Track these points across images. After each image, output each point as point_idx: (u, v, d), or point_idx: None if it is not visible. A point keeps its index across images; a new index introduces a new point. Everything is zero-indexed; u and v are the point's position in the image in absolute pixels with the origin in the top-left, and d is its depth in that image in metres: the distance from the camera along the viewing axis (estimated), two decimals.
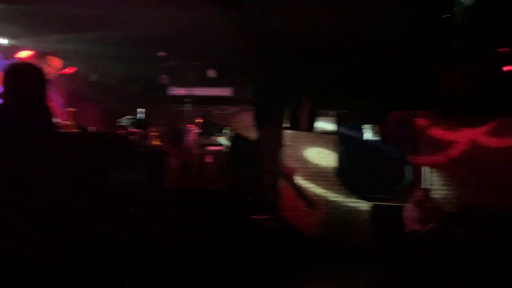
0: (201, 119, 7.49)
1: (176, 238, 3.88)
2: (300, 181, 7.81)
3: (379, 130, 7.47)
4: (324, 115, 7.61)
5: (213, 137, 7.30)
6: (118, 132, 5.97)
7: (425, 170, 7.31)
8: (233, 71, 7.16)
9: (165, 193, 5.11)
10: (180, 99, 7.22)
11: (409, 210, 6.56)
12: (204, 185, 6.87)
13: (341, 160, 7.67)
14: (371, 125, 7.45)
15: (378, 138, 7.44)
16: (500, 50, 5.52)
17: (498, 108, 6.87)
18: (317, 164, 7.79)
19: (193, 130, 7.30)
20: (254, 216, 5.98)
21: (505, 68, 5.97)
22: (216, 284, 3.74)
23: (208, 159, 7.27)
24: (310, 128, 7.25)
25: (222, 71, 7.22)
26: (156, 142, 7.27)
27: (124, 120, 5.85)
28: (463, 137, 7.25)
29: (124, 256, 3.32)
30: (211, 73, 7.23)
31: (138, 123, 5.90)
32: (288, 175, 7.84)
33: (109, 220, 3.93)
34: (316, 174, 7.77)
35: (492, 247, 5.98)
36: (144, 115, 5.98)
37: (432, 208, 6.52)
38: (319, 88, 6.92)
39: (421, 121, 7.47)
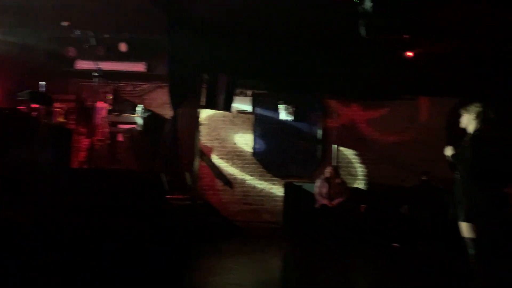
0: (112, 96, 7.13)
1: (80, 220, 3.67)
2: (217, 160, 7.84)
3: (294, 111, 7.69)
4: (242, 94, 7.65)
5: (125, 115, 6.99)
6: (17, 107, 5.46)
7: (335, 149, 7.71)
8: (146, 46, 6.85)
9: (70, 174, 4.79)
10: (88, 73, 6.75)
11: (319, 187, 6.91)
12: (115, 164, 6.57)
13: (257, 139, 7.82)
14: (286, 105, 7.64)
15: (292, 118, 7.66)
16: (402, 36, 5.90)
17: (398, 92, 7.41)
18: (234, 144, 7.87)
19: (103, 107, 6.93)
20: (169, 196, 5.87)
21: (407, 54, 6.43)
22: (128, 266, 3.64)
23: (120, 137, 6.97)
24: (227, 107, 7.23)
25: (134, 45, 6.86)
26: (61, 119, 6.76)
27: (25, 95, 5.34)
28: (366, 117, 7.76)
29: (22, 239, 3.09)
30: (122, 47, 6.85)
31: (40, 98, 5.42)
32: (204, 155, 7.81)
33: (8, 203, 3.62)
34: (233, 153, 7.85)
35: (391, 218, 6.54)
36: (45, 89, 5.48)
37: (340, 184, 6.93)
38: (236, 67, 6.89)
39: (332, 103, 7.83)
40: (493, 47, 6.17)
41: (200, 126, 7.80)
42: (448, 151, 4.05)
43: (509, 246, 4.35)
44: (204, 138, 7.85)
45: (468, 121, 3.98)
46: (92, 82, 6.81)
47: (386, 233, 6.33)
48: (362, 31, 5.71)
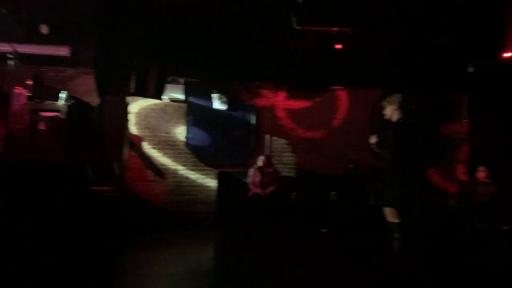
0: (32, 81, 6.61)
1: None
2: (148, 150, 7.61)
3: (227, 100, 7.65)
4: (174, 82, 7.46)
5: (47, 102, 6.53)
6: None
7: (268, 138, 7.81)
8: (70, 29, 6.40)
9: None
10: (3, 56, 6.19)
11: (252, 176, 6.98)
12: (35, 154, 6.13)
13: (190, 129, 7.69)
14: (219, 94, 7.58)
15: (226, 107, 7.62)
16: (331, 28, 6.07)
17: (328, 83, 7.64)
18: (166, 133, 7.67)
19: (22, 93, 6.41)
20: (95, 188, 5.60)
21: (336, 46, 6.63)
22: (52, 262, 3.43)
23: (42, 126, 6.51)
24: (158, 95, 7.01)
25: (57, 27, 6.38)
26: None
27: None
28: (297, 107, 7.92)
29: None
30: (44, 29, 6.34)
31: None
32: (134, 144, 7.54)
33: None
34: (165, 143, 7.66)
35: (320, 205, 6.78)
36: None
37: (272, 172, 7.05)
38: (167, 54, 6.69)
39: (264, 93, 7.90)
40: (416, 40, 6.51)
41: (129, 115, 7.50)
42: (373, 140, 4.26)
43: (429, 228, 4.69)
44: (134, 127, 7.57)
45: (391, 112, 4.20)
46: (7, 66, 6.26)
47: (315, 219, 6.55)
48: (293, 22, 5.79)
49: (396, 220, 4.08)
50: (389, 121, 4.27)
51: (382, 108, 4.33)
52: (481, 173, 6.45)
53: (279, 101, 7.93)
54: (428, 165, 4.73)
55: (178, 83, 7.67)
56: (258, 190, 6.85)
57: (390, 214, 4.12)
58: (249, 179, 6.99)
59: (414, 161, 4.11)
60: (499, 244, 5.73)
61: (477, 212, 6.16)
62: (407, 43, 6.45)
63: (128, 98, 7.36)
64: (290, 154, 7.82)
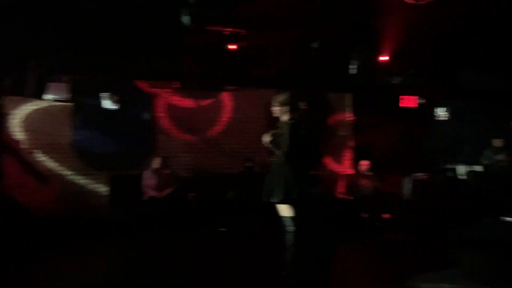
0: None
1: None
2: (29, 154, 6.91)
3: (119, 99, 7.27)
4: (58, 80, 6.87)
5: None
6: None
7: (163, 139, 7.60)
8: None
9: None
10: None
11: (147, 178, 6.73)
12: None
13: (77, 131, 7.16)
14: (110, 94, 7.17)
15: (118, 107, 7.24)
16: (225, 28, 6.12)
17: (224, 82, 7.70)
18: (49, 136, 7.05)
19: None
20: None
21: (230, 46, 6.71)
22: None
23: None
24: (38, 95, 6.40)
25: None
26: None
27: None
28: (194, 106, 7.86)
29: None
30: None
31: None
32: (12, 148, 6.80)
33: None
34: (48, 146, 7.03)
35: (218, 205, 6.79)
36: None
37: (168, 174, 6.88)
38: (50, 49, 6.15)
39: (159, 92, 7.68)
40: (307, 40, 6.84)
41: (6, 116, 6.75)
42: (266, 138, 4.37)
43: (319, 223, 4.96)
44: (12, 129, 6.83)
45: (281, 111, 4.35)
46: None
47: (214, 219, 6.54)
48: (187, 20, 5.72)
49: (289, 215, 4.23)
50: (280, 119, 4.42)
51: (274, 107, 4.47)
52: (363, 167, 7.03)
53: (175, 100, 7.77)
54: (316, 161, 4.99)
55: (62, 81, 7.08)
56: (154, 193, 6.63)
57: (283, 210, 4.27)
58: (144, 182, 6.73)
59: (303, 158, 4.31)
60: (381, 230, 6.31)
61: (361, 202, 6.71)
62: (296, 44, 6.77)
63: (4, 98, 6.62)
64: (187, 154, 7.71)
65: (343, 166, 7.68)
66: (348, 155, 7.70)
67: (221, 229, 6.39)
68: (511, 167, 7.04)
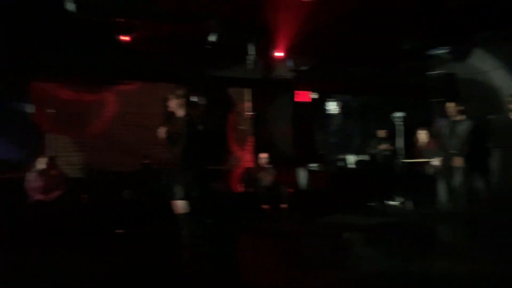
0: None
1: None
2: None
3: None
4: None
5: None
6: None
7: (50, 137, 6.99)
8: None
9: None
10: None
11: (32, 180, 6.14)
12: None
13: None
14: None
15: None
16: (116, 19, 5.79)
17: (118, 76, 7.31)
18: None
19: None
20: None
21: (121, 38, 6.37)
22: None
23: None
24: None
25: None
26: None
27: None
28: (85, 102, 7.34)
29: None
30: None
31: None
32: None
33: None
34: None
35: (114, 205, 6.44)
36: None
37: (57, 175, 6.34)
38: None
39: (44, 86, 7.03)
40: (204, 34, 6.76)
41: None
42: (161, 134, 4.24)
43: (219, 218, 4.97)
44: None
45: (176, 106, 4.26)
46: None
47: (111, 220, 6.19)
48: (74, 10, 5.32)
49: (186, 211, 4.16)
50: (176, 115, 4.32)
51: (170, 102, 4.35)
52: (263, 160, 7.20)
53: (63, 95, 7.17)
54: (215, 156, 4.99)
55: None
56: (41, 197, 6.06)
57: (180, 207, 4.18)
58: (29, 185, 6.12)
59: (201, 153, 4.27)
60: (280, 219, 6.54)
61: (261, 194, 6.88)
62: (192, 38, 6.67)
63: None
64: (78, 153, 7.17)
65: (243, 160, 7.79)
66: (247, 149, 7.83)
67: (117, 231, 6.07)
68: (393, 156, 7.72)
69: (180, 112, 4.26)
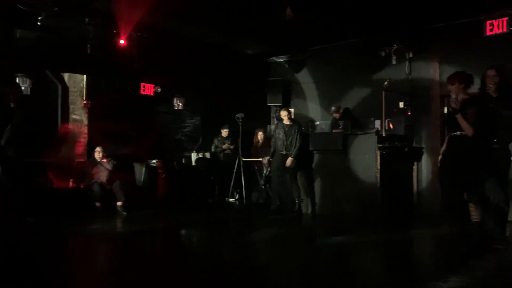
0: None
1: None
2: None
3: None
4: None
5: None
6: None
7: None
8: None
9: None
10: None
11: None
12: None
13: None
14: None
15: None
16: None
17: None
18: None
19: None
20: None
21: None
22: None
23: None
24: None
25: None
26: None
27: None
28: None
29: None
30: None
31: None
32: None
33: None
34: None
35: None
36: None
37: None
38: None
39: None
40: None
41: None
42: None
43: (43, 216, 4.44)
44: None
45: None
46: None
47: None
48: None
49: None
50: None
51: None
52: (98, 154, 6.70)
53: None
54: (36, 148, 4.49)
55: None
56: None
57: None
58: None
59: (16, 145, 3.81)
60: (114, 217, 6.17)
61: (94, 191, 6.39)
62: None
63: None
64: None
65: (76, 153, 7.11)
66: (81, 141, 7.17)
67: None
68: (234, 154, 8.00)
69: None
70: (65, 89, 7.08)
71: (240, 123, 7.78)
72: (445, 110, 4.15)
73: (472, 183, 3.91)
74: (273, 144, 6.65)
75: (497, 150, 4.04)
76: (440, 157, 4.21)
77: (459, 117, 3.86)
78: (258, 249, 4.56)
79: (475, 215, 3.99)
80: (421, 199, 6.76)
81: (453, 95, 3.90)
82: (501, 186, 3.97)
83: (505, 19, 5.92)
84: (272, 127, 8.24)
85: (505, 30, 5.93)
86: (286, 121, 6.54)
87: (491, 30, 6.04)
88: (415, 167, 6.71)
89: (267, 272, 3.63)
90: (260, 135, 8.39)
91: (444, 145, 4.21)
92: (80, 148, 7.08)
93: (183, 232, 5.55)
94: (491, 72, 4.15)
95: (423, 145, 6.86)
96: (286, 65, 8.90)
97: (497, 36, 5.99)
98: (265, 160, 7.43)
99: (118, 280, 3.28)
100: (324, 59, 8.23)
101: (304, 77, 8.71)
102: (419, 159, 6.73)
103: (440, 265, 3.86)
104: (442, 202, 4.67)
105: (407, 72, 7.11)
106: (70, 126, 7.00)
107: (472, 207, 4.00)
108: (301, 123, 6.81)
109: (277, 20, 6.46)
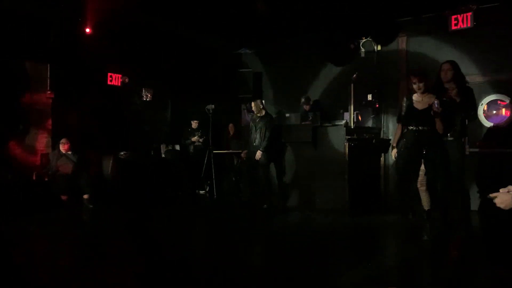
0: None
1: None
2: None
3: None
4: None
5: None
6: None
7: None
8: None
9: None
10: None
11: None
12: None
13: None
14: None
15: None
16: None
17: None
18: None
19: None
20: None
21: None
22: None
23: None
24: None
25: None
26: None
27: None
28: None
29: None
30: None
31: None
32: None
33: None
34: None
35: None
36: None
37: None
38: None
39: None
40: None
41: None
42: None
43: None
44: None
45: None
46: None
47: None
48: None
49: None
50: None
51: None
52: (63, 145, 6.49)
53: None
54: None
55: None
56: None
57: None
58: None
59: None
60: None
61: (58, 183, 6.21)
62: None
63: None
64: None
65: (39, 145, 6.87)
66: (46, 132, 6.92)
67: None
68: (205, 146, 7.92)
69: None
70: (28, 78, 6.80)
71: (210, 115, 7.71)
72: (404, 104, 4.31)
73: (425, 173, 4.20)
74: (245, 136, 6.61)
75: (451, 142, 4.29)
76: (394, 150, 4.47)
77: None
78: (217, 242, 4.54)
79: (426, 203, 4.27)
80: (388, 190, 6.90)
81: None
82: (451, 177, 4.22)
83: (469, 14, 6.09)
84: (246, 118, 8.22)
85: (469, 25, 6.10)
86: (256, 113, 6.52)
87: (455, 24, 6.20)
88: (382, 158, 6.84)
89: (226, 265, 3.63)
90: (231, 127, 8.34)
91: (400, 137, 4.40)
92: (43, 140, 6.84)
93: (146, 225, 5.44)
94: (446, 66, 4.37)
95: (390, 137, 6.99)
96: (257, 57, 8.85)
97: (461, 30, 6.16)
98: (243, 153, 7.34)
99: (71, 276, 3.23)
100: (294, 51, 8.22)
101: (274, 69, 8.68)
102: (386, 151, 6.85)
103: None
104: (397, 190, 4.93)
105: (375, 64, 7.20)
106: (32, 116, 6.74)
107: (423, 195, 4.27)
108: (272, 115, 6.80)
109: (246, 12, 6.41)
